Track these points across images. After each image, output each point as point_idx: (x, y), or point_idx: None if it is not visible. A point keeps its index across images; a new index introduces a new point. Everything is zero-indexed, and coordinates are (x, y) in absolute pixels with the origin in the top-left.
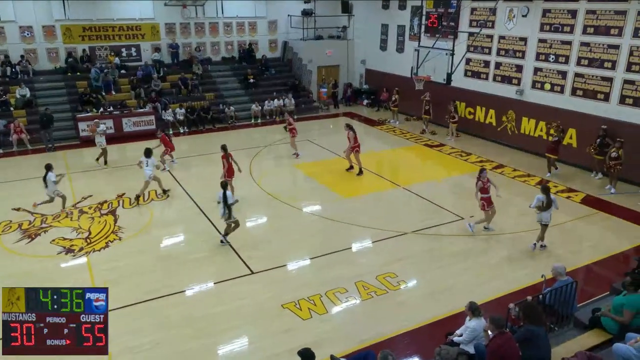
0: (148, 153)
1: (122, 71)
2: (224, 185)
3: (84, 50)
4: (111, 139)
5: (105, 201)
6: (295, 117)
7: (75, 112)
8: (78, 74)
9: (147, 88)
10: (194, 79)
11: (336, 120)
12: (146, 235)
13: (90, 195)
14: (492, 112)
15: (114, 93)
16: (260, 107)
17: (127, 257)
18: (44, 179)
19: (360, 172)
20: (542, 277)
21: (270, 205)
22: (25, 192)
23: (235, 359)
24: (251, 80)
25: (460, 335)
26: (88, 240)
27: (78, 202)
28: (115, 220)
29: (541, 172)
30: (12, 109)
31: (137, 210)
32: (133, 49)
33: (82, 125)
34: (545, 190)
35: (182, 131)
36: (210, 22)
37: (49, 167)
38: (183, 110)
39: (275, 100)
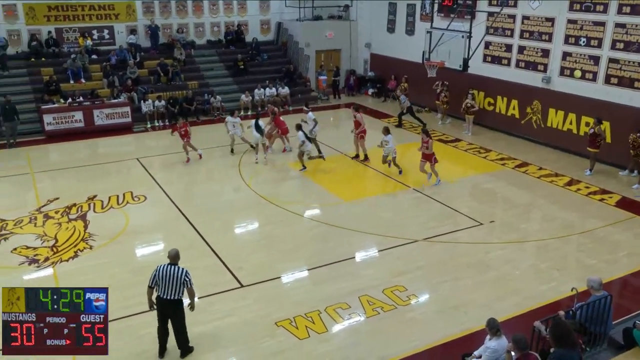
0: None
1: (94, 56)
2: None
3: (49, 32)
4: (80, 134)
5: (74, 204)
6: (291, 108)
7: (40, 102)
8: (43, 59)
9: (121, 75)
10: (175, 65)
11: (337, 112)
12: (120, 244)
13: (57, 198)
14: (514, 102)
15: (83, 81)
16: (250, 98)
17: (99, 269)
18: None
19: (366, 158)
20: (572, 290)
21: (262, 209)
22: None
23: None
24: (241, 67)
25: (479, 357)
26: (54, 249)
27: (43, 206)
28: (86, 227)
29: (570, 171)
30: None
31: (110, 214)
32: (106, 31)
33: (47, 118)
34: (387, 130)
35: (158, 125)
36: (194, 1)
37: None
38: (163, 102)
39: (268, 89)
